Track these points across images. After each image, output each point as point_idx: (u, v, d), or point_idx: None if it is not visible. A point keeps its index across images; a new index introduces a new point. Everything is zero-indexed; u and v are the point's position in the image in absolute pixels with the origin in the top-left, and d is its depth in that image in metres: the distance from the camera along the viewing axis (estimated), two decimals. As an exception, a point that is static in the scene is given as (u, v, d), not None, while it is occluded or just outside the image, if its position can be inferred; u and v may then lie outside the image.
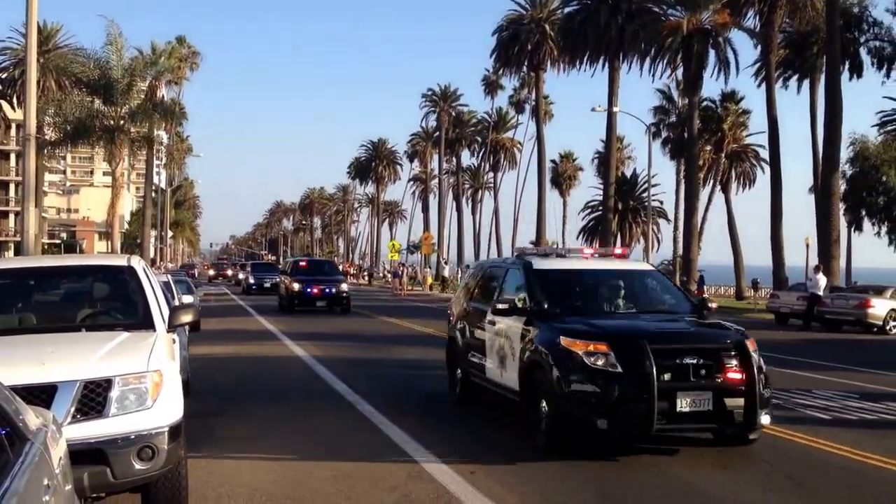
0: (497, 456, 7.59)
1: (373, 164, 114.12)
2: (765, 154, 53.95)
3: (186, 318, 6.57)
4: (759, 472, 7.22)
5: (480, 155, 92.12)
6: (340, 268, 48.93)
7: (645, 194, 56.32)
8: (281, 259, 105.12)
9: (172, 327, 6.51)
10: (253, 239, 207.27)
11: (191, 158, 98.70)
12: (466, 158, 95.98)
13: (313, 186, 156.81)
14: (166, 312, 6.63)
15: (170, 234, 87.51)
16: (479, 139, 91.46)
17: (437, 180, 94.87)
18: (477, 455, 7.56)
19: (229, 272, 70.90)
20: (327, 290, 28.66)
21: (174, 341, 6.99)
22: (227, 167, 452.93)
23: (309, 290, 28.49)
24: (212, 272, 78.18)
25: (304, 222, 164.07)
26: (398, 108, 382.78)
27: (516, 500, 6.17)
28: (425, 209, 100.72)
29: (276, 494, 6.31)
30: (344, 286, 29.57)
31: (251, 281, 42.52)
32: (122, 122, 42.57)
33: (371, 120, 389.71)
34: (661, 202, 69.37)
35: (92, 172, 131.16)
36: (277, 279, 36.02)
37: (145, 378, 5.16)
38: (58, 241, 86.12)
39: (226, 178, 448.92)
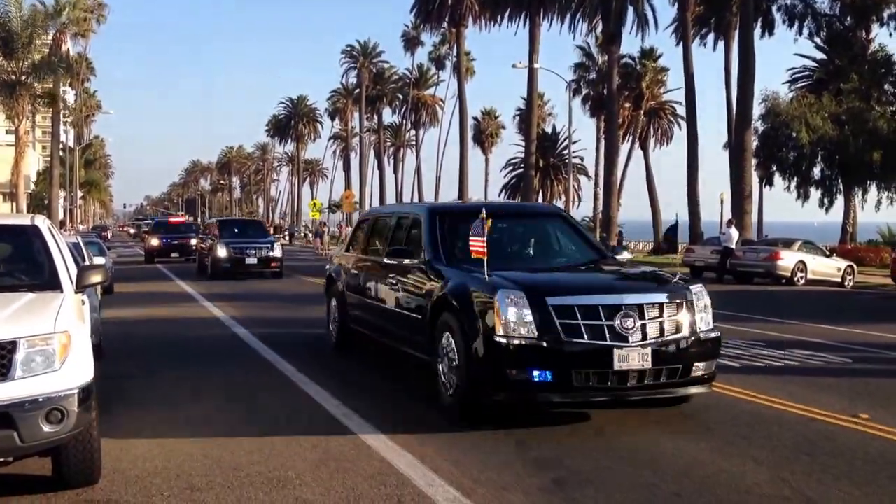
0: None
1: (292, 121, 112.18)
2: (682, 111, 55.15)
3: (96, 278, 6.29)
4: (667, 416, 7.43)
5: (402, 112, 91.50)
6: None
7: (566, 151, 56.93)
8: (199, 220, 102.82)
9: (81, 288, 6.26)
10: (169, 199, 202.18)
11: (100, 116, 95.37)
12: (388, 116, 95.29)
13: (231, 145, 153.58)
14: (74, 273, 6.37)
15: (80, 194, 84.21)
16: (400, 96, 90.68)
17: (358, 138, 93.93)
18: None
19: (192, 241, 34.47)
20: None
21: (83, 303, 6.78)
22: (141, 126, 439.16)
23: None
24: (155, 241, 36.22)
25: (222, 182, 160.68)
26: (318, 65, 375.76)
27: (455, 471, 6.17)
28: (346, 167, 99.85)
29: (196, 454, 6.22)
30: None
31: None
32: (24, 77, 40.79)
33: (290, 77, 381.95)
34: (582, 159, 70.37)
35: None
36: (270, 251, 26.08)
37: (52, 339, 5.02)
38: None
39: (140, 137, 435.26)
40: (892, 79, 35.63)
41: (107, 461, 5.67)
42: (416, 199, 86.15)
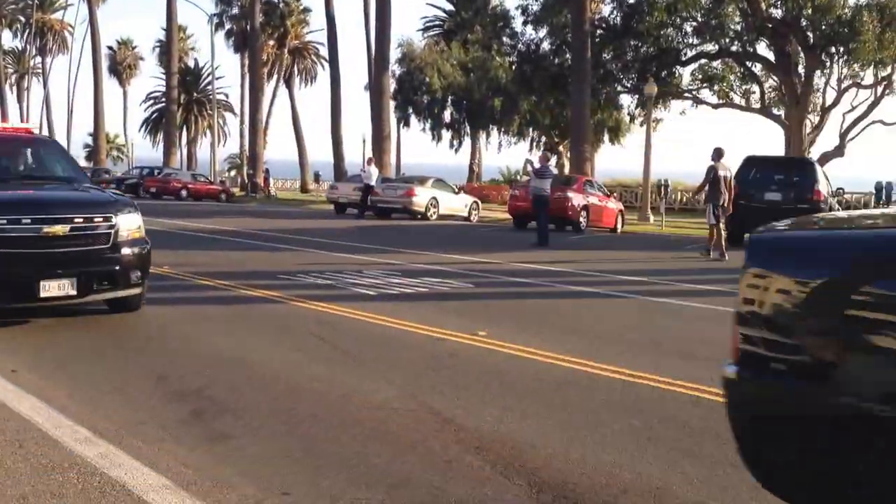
0: None
1: None
2: (325, 52, 55.93)
3: None
4: (308, 344, 7.74)
5: (25, 37, 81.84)
6: None
7: (210, 87, 55.17)
8: None
9: None
10: None
11: None
12: (8, 40, 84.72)
13: None
14: None
15: None
16: (22, 19, 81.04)
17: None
18: None
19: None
20: None
21: None
22: None
23: None
24: None
25: None
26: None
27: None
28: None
29: None
30: None
31: None
32: None
33: None
34: (227, 96, 68.86)
35: None
36: None
37: None
38: None
39: None
40: (508, 31, 39.36)
41: None
42: (45, 132, 78.16)
